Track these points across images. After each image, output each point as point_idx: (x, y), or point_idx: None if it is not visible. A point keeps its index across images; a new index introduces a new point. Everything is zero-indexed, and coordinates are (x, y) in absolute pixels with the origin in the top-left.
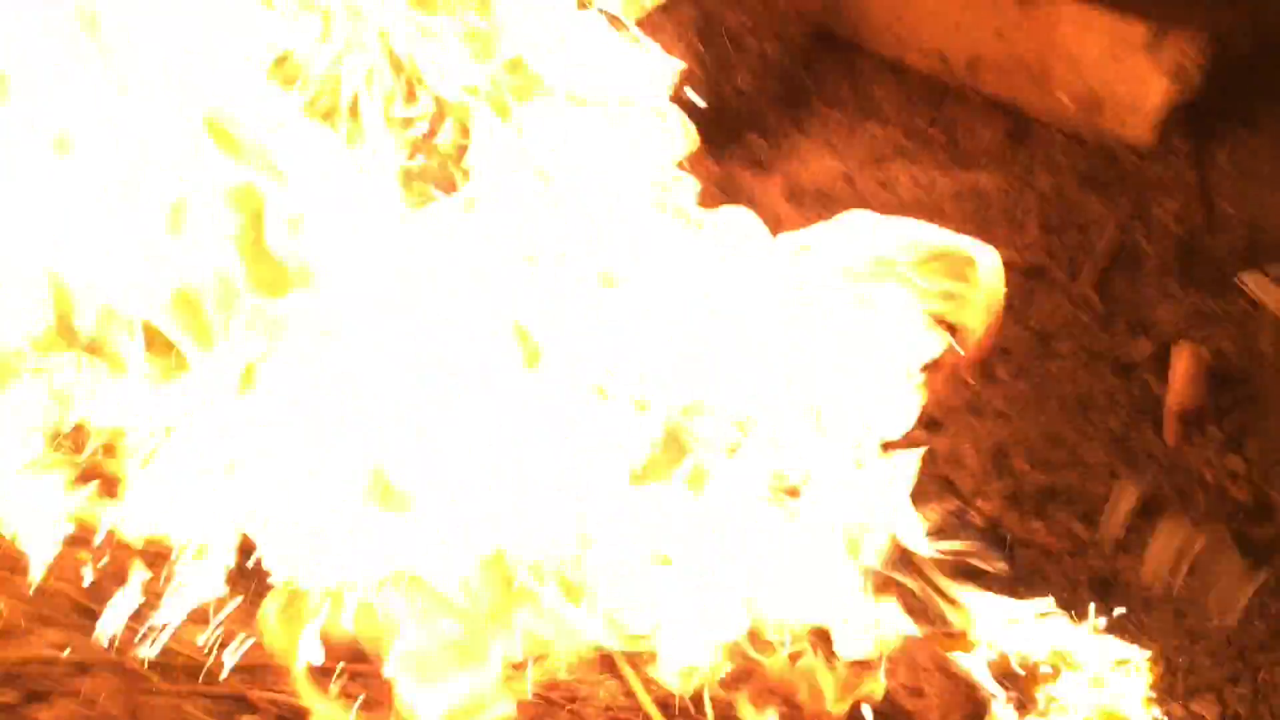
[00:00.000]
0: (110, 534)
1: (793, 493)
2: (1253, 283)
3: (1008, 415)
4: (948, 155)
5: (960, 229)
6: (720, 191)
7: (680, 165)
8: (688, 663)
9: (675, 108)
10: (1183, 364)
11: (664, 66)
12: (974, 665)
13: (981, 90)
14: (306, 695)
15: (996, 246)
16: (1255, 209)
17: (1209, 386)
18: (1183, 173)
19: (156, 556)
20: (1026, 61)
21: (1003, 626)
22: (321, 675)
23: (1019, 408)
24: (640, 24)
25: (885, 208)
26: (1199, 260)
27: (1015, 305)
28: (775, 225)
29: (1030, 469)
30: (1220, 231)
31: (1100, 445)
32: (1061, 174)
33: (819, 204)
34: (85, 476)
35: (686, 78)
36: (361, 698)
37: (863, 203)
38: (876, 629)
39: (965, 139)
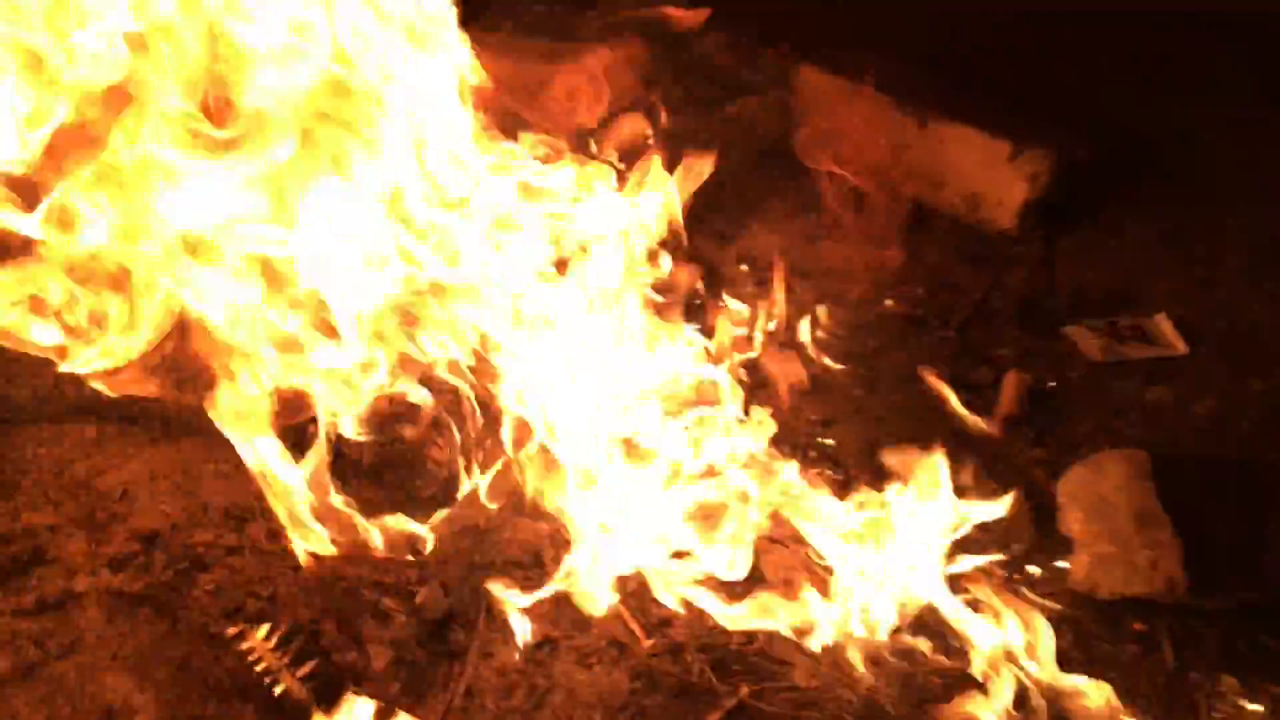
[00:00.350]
0: None
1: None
2: (1072, 332)
3: (884, 418)
4: (864, 238)
5: (868, 290)
6: (689, 258)
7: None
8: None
9: None
10: (1010, 386)
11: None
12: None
13: (895, 189)
14: None
15: (892, 302)
16: (1082, 280)
17: (1027, 401)
18: (1034, 251)
19: None
20: (924, 168)
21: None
22: None
23: (894, 413)
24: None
25: (814, 274)
26: (1036, 315)
27: (902, 342)
28: (728, 282)
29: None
30: (1055, 295)
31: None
32: (946, 252)
33: (762, 267)
34: None
35: None
36: None
37: (796, 269)
38: None
39: (879, 226)
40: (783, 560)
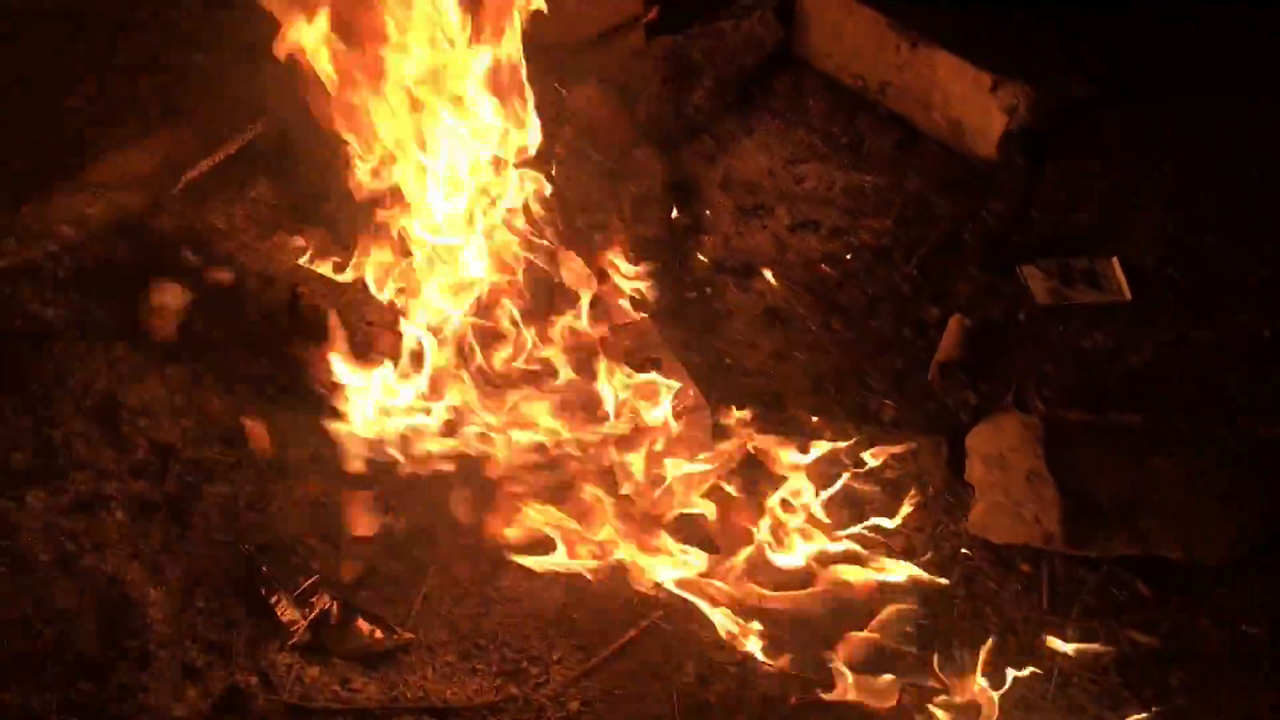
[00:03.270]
0: None
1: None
2: (1027, 273)
3: (832, 353)
4: (850, 159)
5: (840, 216)
6: (672, 178)
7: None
8: None
9: None
10: (952, 330)
11: None
12: None
13: (887, 106)
14: None
15: (859, 232)
16: (1058, 216)
17: (968, 346)
18: (1015, 185)
19: None
20: (916, 90)
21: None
22: None
23: (844, 349)
24: (622, 61)
25: (793, 198)
26: (1000, 252)
27: (860, 276)
28: (711, 205)
29: (834, 390)
30: (1026, 231)
31: (885, 377)
32: (928, 178)
33: (744, 191)
34: None
35: (658, 97)
36: None
37: (777, 192)
38: None
39: (869, 144)
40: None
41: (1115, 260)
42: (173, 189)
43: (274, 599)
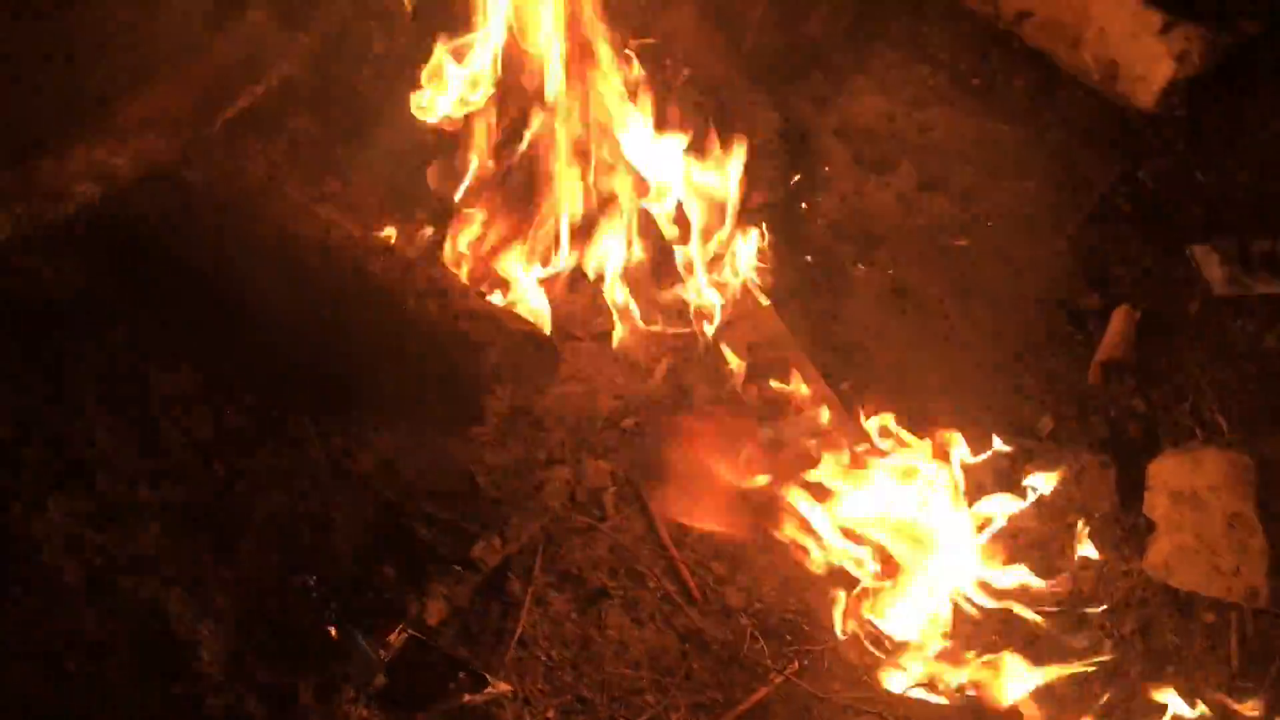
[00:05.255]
0: None
1: None
2: (1199, 254)
3: (970, 344)
4: (981, 103)
5: (974, 174)
6: (782, 122)
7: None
8: None
9: None
10: (1118, 323)
11: None
12: None
13: (1024, 41)
14: None
15: (997, 195)
16: (1225, 181)
17: (1135, 344)
18: (1174, 141)
19: None
20: (1064, 23)
21: None
22: None
23: (983, 339)
24: None
25: (918, 150)
26: (1164, 224)
27: (1002, 251)
28: (824, 158)
29: (979, 395)
30: (1190, 199)
31: (1038, 379)
32: (1073, 130)
33: (862, 140)
34: None
35: (764, 21)
36: None
37: (899, 142)
38: None
39: (1001, 87)
40: None
41: None
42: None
43: (344, 639)
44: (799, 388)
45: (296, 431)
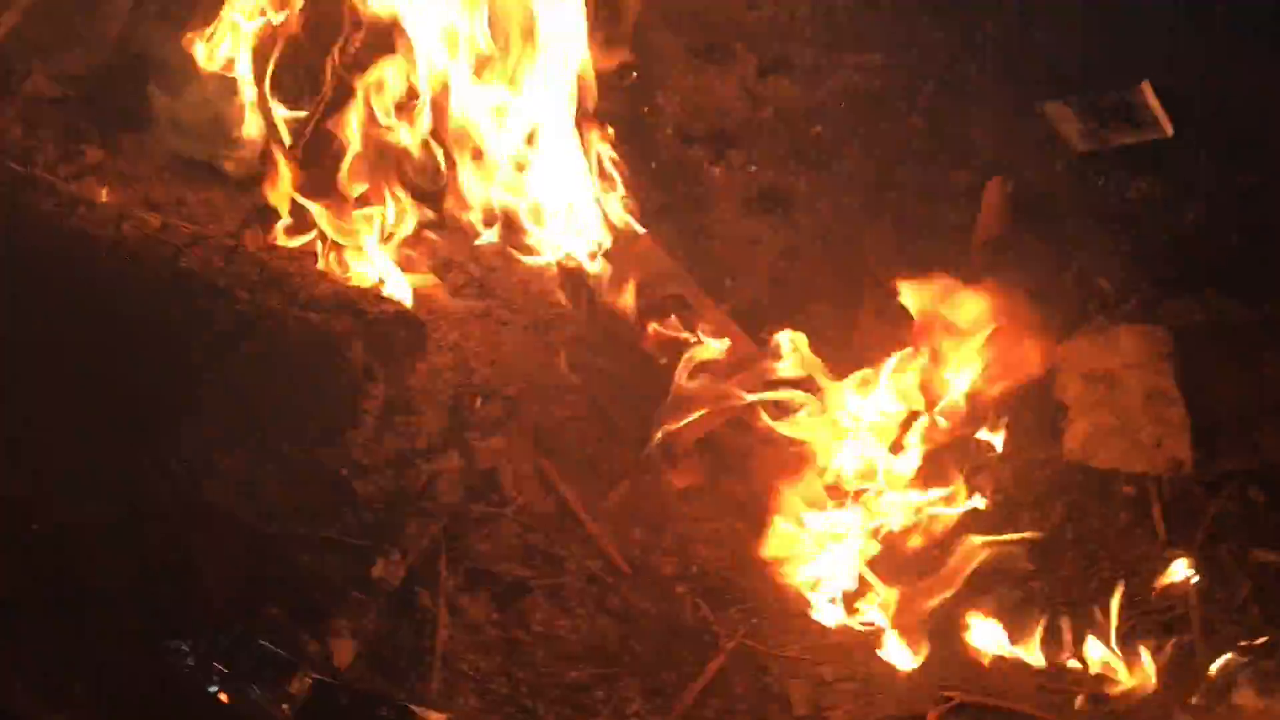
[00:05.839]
0: None
1: None
2: (1053, 113)
3: (853, 242)
4: None
5: (814, 51)
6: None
7: None
8: None
9: None
10: (991, 198)
11: None
12: None
13: None
14: None
15: (842, 71)
16: (1060, 32)
17: (1010, 215)
18: None
19: None
20: None
21: None
22: None
23: (864, 236)
24: None
25: (751, 31)
26: (1012, 86)
27: (859, 133)
28: (656, 49)
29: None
30: (1031, 54)
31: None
32: None
33: (691, 25)
34: None
35: None
36: None
37: (731, 24)
38: None
39: None
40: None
41: (1147, 86)
42: None
43: (238, 701)
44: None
45: (126, 471)
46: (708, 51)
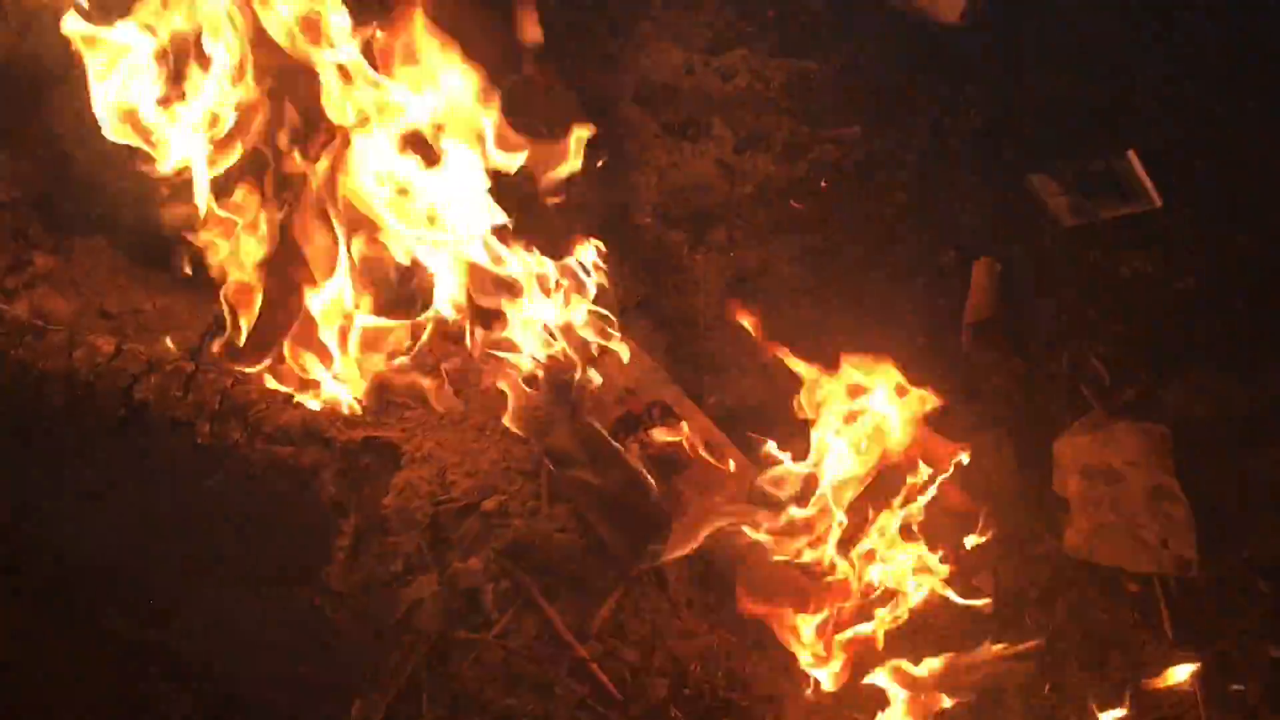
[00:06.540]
0: None
1: None
2: (1039, 185)
3: (844, 328)
4: (780, 39)
5: (792, 124)
6: (574, 94)
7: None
8: None
9: None
10: (979, 279)
11: None
12: None
13: None
14: None
15: (822, 146)
16: (1049, 93)
17: (1000, 296)
18: (989, 59)
19: None
20: None
21: None
22: None
23: (841, 321)
24: None
25: (727, 104)
26: (998, 156)
27: (847, 210)
28: (630, 128)
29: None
30: (1018, 120)
31: (910, 358)
32: (885, 58)
33: (664, 102)
34: None
35: None
36: None
37: (704, 98)
38: None
39: (799, 13)
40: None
41: (1133, 155)
42: None
43: None
44: (683, 434)
45: (89, 611)
46: (683, 127)
